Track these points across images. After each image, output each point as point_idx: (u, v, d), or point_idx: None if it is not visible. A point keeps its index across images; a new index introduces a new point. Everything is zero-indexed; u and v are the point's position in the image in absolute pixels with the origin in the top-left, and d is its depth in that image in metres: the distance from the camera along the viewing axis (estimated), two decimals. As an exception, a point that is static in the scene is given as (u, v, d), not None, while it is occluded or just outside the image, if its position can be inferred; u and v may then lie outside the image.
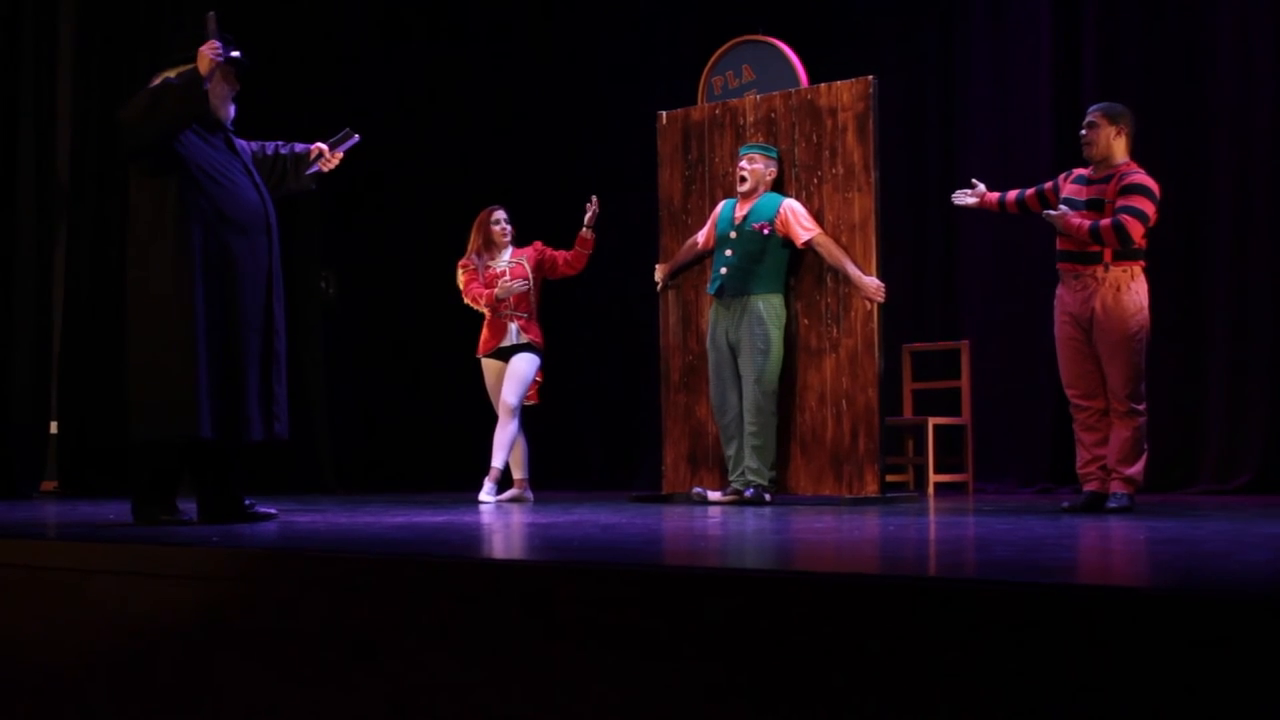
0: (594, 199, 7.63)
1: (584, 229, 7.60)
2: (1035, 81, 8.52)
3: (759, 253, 6.96)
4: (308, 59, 9.48)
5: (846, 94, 7.08)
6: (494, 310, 7.52)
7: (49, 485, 8.81)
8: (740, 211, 7.06)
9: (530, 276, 7.55)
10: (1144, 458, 5.81)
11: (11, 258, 8.57)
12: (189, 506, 5.15)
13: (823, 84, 7.21)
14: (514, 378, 7.46)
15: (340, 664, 3.17)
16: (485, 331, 7.60)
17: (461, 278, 7.63)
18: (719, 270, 7.05)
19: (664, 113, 7.78)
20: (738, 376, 6.99)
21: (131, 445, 5.16)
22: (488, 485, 7.43)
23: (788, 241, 6.97)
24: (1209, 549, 3.51)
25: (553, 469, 9.82)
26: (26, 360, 8.60)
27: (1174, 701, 2.18)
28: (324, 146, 5.54)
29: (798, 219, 6.95)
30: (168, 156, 5.00)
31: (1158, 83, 8.09)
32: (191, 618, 3.49)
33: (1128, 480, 5.77)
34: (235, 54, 5.18)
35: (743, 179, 7.05)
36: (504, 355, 7.56)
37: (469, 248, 7.67)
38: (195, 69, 4.95)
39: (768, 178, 7.09)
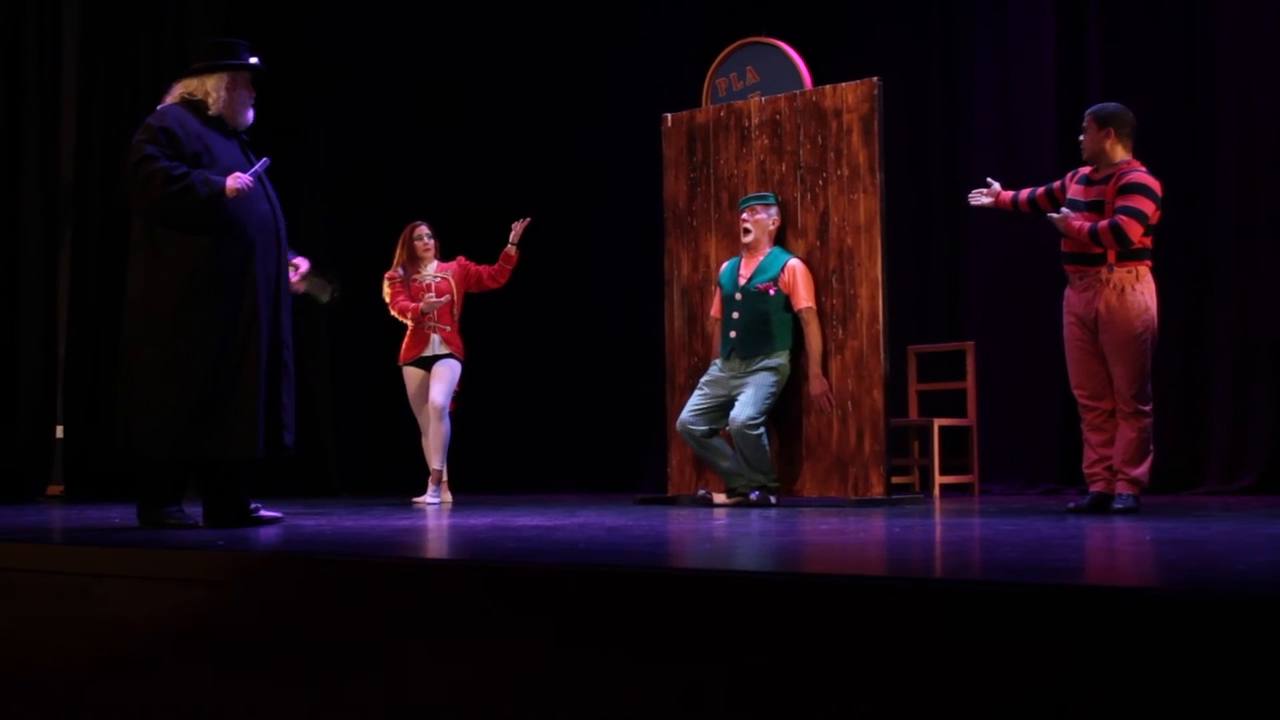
0: (524, 219, 7.77)
1: (509, 245, 7.78)
2: (1039, 81, 8.51)
3: (767, 313, 6.97)
4: (306, 61, 9.49)
5: (851, 95, 7.08)
6: (418, 322, 7.75)
7: (55, 489, 8.82)
8: (745, 271, 7.07)
9: (454, 291, 7.80)
10: (1150, 459, 5.80)
11: (16, 261, 8.59)
12: (194, 511, 5.16)
13: (828, 85, 7.21)
14: (440, 379, 7.69)
15: (345, 667, 3.17)
16: (408, 340, 7.86)
17: (387, 291, 7.89)
18: (728, 333, 7.06)
19: (669, 115, 7.78)
20: (724, 409, 6.98)
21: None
22: (431, 488, 7.67)
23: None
24: (1214, 550, 3.50)
25: (557, 471, 9.83)
26: (32, 364, 8.62)
27: (1179, 701, 2.18)
28: (303, 266, 5.52)
29: (800, 283, 6.97)
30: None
31: (1161, 81, 8.08)
32: (197, 621, 3.49)
33: (1133, 481, 5.76)
34: (253, 60, 5.19)
35: (746, 231, 7.07)
36: (425, 364, 7.79)
37: (395, 261, 7.91)
38: (221, 188, 4.96)
39: (771, 227, 7.10)
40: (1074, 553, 3.52)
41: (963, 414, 8.35)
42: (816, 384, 6.96)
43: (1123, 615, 2.26)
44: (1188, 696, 2.18)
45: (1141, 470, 5.77)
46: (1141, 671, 2.21)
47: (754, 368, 6.96)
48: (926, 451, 8.21)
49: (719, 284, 7.23)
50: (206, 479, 5.15)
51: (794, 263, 7.02)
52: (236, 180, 4.98)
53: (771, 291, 6.98)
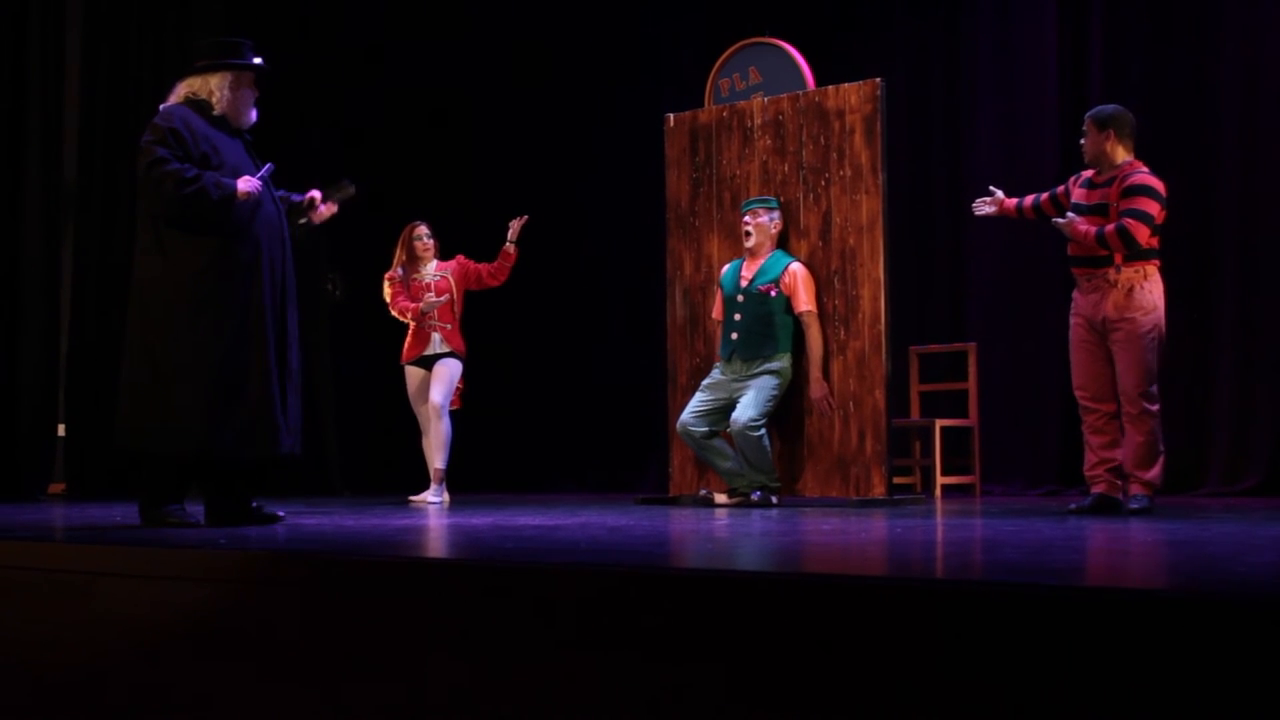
0: (521, 217, 7.78)
1: (507, 243, 7.79)
2: (1042, 83, 8.51)
3: (768, 315, 6.97)
4: (310, 63, 9.49)
5: (854, 96, 7.07)
6: (419, 322, 7.76)
7: (57, 487, 8.83)
8: (747, 273, 7.07)
9: (453, 290, 7.83)
10: (1161, 459, 5.78)
11: (18, 259, 8.59)
12: (196, 509, 5.16)
13: (830, 86, 7.20)
14: (440, 379, 7.72)
15: (346, 666, 3.17)
16: (409, 339, 7.88)
17: (387, 291, 7.91)
18: (729, 335, 7.05)
19: (671, 115, 7.78)
20: (725, 411, 6.98)
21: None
22: (433, 487, 7.70)
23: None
24: (1217, 551, 3.50)
25: (559, 471, 9.83)
26: (34, 362, 8.61)
27: (1181, 703, 2.18)
28: (317, 195, 5.42)
29: (801, 286, 6.97)
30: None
31: (1164, 82, 8.07)
32: (199, 620, 3.49)
33: (1146, 484, 5.74)
34: (256, 60, 5.20)
35: (748, 234, 7.07)
36: (426, 363, 7.82)
37: (394, 262, 7.94)
38: (233, 191, 4.96)
39: (773, 231, 7.10)
40: (1075, 554, 3.52)
41: (964, 414, 8.35)
42: (817, 387, 6.96)
43: (1124, 616, 2.26)
44: (1189, 698, 2.17)
45: (1154, 473, 5.75)
46: (1143, 673, 2.21)
47: (755, 370, 6.95)
48: (928, 452, 8.20)
49: (720, 286, 7.22)
50: (208, 478, 5.15)
51: (795, 266, 7.01)
52: (248, 184, 4.99)
53: (773, 293, 6.97)
